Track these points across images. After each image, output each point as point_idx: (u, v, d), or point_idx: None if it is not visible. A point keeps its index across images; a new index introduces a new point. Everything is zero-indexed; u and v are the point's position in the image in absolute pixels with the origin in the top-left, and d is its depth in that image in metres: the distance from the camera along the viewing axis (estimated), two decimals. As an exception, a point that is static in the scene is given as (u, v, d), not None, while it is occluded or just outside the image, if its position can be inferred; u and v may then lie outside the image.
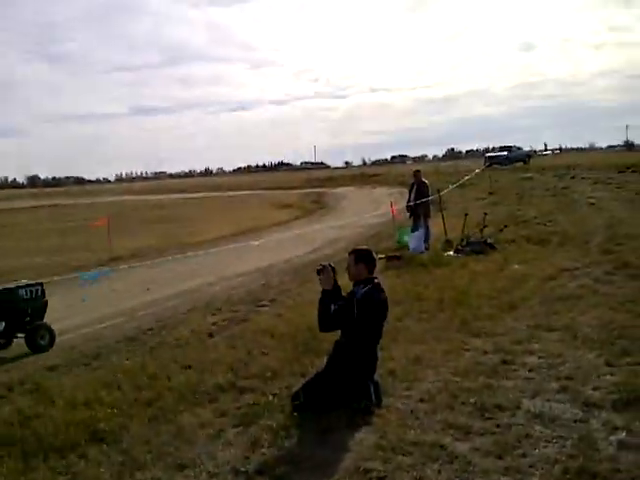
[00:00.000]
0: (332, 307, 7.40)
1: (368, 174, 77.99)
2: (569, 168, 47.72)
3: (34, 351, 11.84)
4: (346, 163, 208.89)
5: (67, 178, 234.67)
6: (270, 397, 7.71)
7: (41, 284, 12.72)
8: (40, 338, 12.17)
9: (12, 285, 12.64)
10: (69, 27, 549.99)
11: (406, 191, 24.60)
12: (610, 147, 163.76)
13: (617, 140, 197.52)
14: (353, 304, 7.32)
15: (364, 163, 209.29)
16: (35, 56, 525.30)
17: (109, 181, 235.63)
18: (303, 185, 73.22)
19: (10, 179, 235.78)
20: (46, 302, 12.77)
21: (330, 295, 7.48)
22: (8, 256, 26.68)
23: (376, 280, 7.66)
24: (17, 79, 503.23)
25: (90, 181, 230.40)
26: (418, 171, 22.03)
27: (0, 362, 11.59)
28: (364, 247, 8.07)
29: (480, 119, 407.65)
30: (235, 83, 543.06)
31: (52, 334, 12.34)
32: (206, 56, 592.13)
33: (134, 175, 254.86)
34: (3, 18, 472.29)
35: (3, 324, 12.04)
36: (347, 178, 76.07)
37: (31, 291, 12.46)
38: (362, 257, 7.69)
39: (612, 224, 20.93)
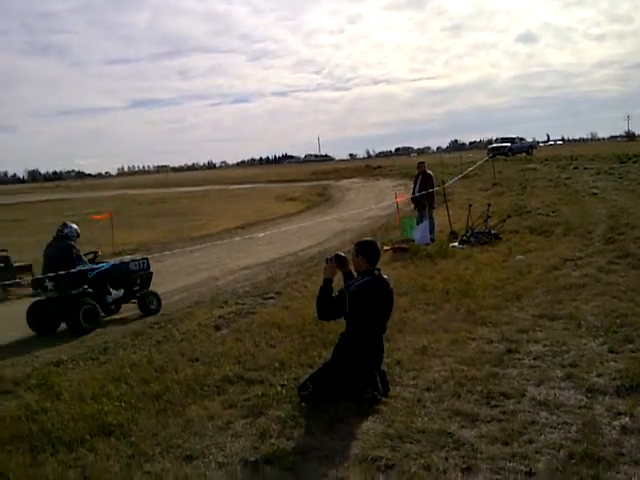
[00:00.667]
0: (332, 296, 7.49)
1: (373, 166, 77.81)
2: (571, 159, 47.70)
3: (146, 314, 13.62)
4: (350, 155, 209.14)
5: (68, 172, 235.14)
6: (278, 388, 7.77)
7: (147, 259, 14.93)
8: (149, 303, 13.99)
9: (125, 259, 15.03)
10: (66, 18, 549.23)
11: (410, 183, 24.61)
12: (612, 137, 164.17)
13: (619, 130, 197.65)
14: (345, 297, 7.38)
15: (368, 155, 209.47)
16: (31, 48, 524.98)
17: (111, 175, 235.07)
18: (308, 178, 73.06)
19: (10, 174, 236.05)
20: (151, 273, 14.79)
21: (330, 284, 7.54)
22: (11, 252, 26.73)
23: (377, 272, 7.70)
24: (13, 73, 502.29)
25: (91, 175, 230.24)
26: (422, 162, 22.01)
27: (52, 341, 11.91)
28: (367, 239, 8.10)
29: (483, 110, 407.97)
30: (236, 74, 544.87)
31: (159, 299, 14.19)
32: (205, 47, 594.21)
33: (136, 169, 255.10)
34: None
35: (122, 291, 14.05)
36: (352, 170, 75.79)
37: (139, 264, 14.57)
38: (361, 248, 7.77)
39: (614, 214, 21.03)
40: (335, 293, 7.47)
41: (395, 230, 22.55)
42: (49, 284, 12.77)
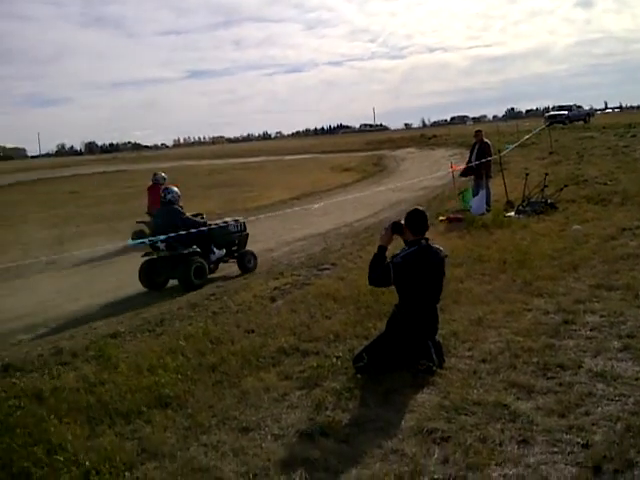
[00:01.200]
0: (386, 261, 7.53)
1: (428, 136, 77.21)
2: (629, 127, 46.74)
3: (244, 272, 14.90)
4: (406, 125, 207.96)
5: (124, 144, 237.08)
6: (333, 360, 7.79)
7: (244, 221, 16.09)
8: (247, 262, 15.20)
9: (225, 221, 15.72)
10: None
11: (466, 152, 24.42)
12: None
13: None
14: (390, 268, 7.42)
15: (424, 124, 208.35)
16: (86, 20, 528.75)
17: (167, 146, 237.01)
18: (363, 148, 72.80)
19: (68, 146, 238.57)
20: (247, 234, 15.91)
21: (384, 252, 7.60)
22: (69, 223, 27.14)
23: (424, 242, 7.65)
24: (68, 45, 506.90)
25: (147, 147, 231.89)
26: (479, 131, 21.76)
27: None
28: (413, 208, 8.02)
29: (540, 78, 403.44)
30: (290, 44, 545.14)
31: (256, 258, 15.43)
32: (259, 17, 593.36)
33: (191, 140, 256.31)
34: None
35: (224, 251, 15.25)
36: (407, 140, 75.23)
37: (237, 226, 15.68)
38: (406, 219, 7.72)
39: (673, 182, 20.57)
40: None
41: (451, 200, 22.40)
42: (161, 245, 13.96)
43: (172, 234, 13.39)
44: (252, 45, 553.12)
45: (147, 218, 20.10)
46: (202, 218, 15.09)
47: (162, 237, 13.47)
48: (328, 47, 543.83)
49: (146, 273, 14.21)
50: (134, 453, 5.92)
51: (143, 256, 14.51)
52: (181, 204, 14.75)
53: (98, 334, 10.36)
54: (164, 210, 14.47)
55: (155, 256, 14.27)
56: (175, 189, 14.83)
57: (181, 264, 13.89)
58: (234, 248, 15.56)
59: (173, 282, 14.35)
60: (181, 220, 14.08)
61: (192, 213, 14.92)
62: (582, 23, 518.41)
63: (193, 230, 13.95)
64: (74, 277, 16.13)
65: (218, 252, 15.05)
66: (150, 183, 19.61)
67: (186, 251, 14.01)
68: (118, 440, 6.21)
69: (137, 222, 20.86)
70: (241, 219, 16.31)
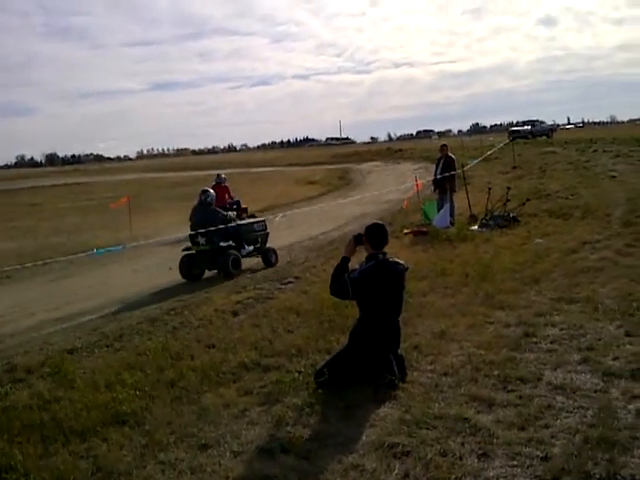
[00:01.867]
0: (345, 275, 7.54)
1: (394, 149, 77.51)
2: (591, 142, 47.33)
3: (267, 266, 16.76)
4: (372, 138, 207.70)
5: (87, 156, 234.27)
6: (295, 375, 7.76)
7: (264, 220, 18.32)
8: (270, 257, 17.14)
9: (251, 221, 17.99)
10: (84, 1, 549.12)
11: (432, 166, 24.59)
12: (631, 121, 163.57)
13: (638, 114, 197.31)
14: (347, 283, 7.45)
15: (390, 138, 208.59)
16: (50, 31, 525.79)
17: (130, 159, 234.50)
18: (329, 161, 72.86)
19: (28, 157, 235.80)
20: (268, 233, 17.93)
21: (346, 263, 7.63)
22: (27, 236, 26.88)
23: (381, 256, 7.63)
24: (33, 56, 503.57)
25: (110, 159, 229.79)
26: (445, 145, 21.84)
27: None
28: (373, 222, 8.02)
29: (504, 94, 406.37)
30: (257, 57, 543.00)
31: (276, 254, 17.39)
32: (226, 30, 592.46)
33: (155, 152, 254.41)
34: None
35: (252, 247, 17.19)
36: (373, 153, 75.32)
37: (261, 225, 17.86)
38: (366, 233, 7.72)
39: (633, 197, 20.90)
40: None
41: (416, 213, 22.45)
42: (201, 240, 16.07)
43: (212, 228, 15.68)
44: (219, 58, 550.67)
45: None
46: (246, 213, 18.53)
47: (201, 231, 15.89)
48: (295, 61, 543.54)
49: (186, 266, 16.11)
50: (89, 472, 5.81)
51: (183, 250, 16.28)
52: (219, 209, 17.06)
53: (54, 349, 10.19)
54: (204, 210, 16.49)
55: (194, 251, 16.17)
56: (212, 191, 17.17)
57: (220, 256, 16.00)
58: (257, 245, 17.45)
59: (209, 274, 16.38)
60: (219, 219, 16.20)
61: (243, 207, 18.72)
62: (544, 40, 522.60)
63: (230, 225, 16.45)
64: (31, 291, 15.94)
65: (247, 248, 17.04)
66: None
67: (225, 244, 16.22)
68: (72, 459, 6.09)
69: None
70: (263, 219, 18.59)
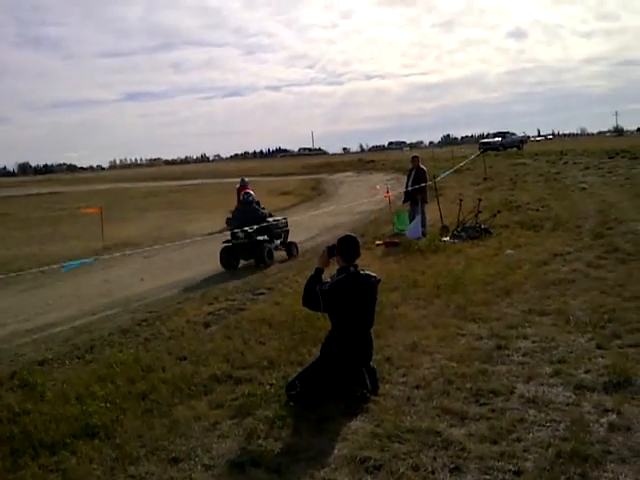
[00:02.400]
0: (317, 287, 7.49)
1: (366, 160, 77.70)
2: (561, 154, 47.72)
3: (290, 257, 19.52)
4: (344, 149, 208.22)
5: (59, 165, 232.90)
6: (267, 387, 7.71)
7: (287, 218, 21.15)
8: (292, 250, 19.95)
9: (278, 219, 20.38)
10: (58, 11, 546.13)
11: (403, 177, 24.62)
12: (601, 133, 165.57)
13: (607, 126, 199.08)
14: (317, 295, 7.41)
15: (362, 149, 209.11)
16: (23, 41, 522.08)
17: (102, 168, 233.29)
18: (301, 171, 73.01)
19: (0, 167, 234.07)
20: (289, 230, 20.62)
21: (320, 274, 7.58)
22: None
23: (352, 269, 7.59)
24: (5, 65, 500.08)
25: (83, 168, 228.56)
26: (416, 157, 21.96)
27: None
28: (344, 234, 7.99)
29: (474, 105, 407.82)
30: (229, 68, 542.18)
31: (297, 247, 20.20)
32: (199, 41, 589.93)
33: (128, 162, 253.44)
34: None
35: (278, 241, 19.92)
36: (345, 164, 75.70)
37: (284, 222, 20.53)
38: (338, 245, 7.69)
39: (603, 209, 21.15)
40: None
41: (388, 224, 22.46)
42: (241, 234, 18.59)
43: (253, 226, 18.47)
44: (191, 68, 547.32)
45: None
46: (271, 215, 20.13)
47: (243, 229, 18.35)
48: (268, 72, 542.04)
49: (226, 256, 18.69)
50: (58, 486, 5.74)
51: (223, 242, 18.95)
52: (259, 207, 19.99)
53: (24, 361, 10.09)
54: (246, 208, 19.49)
55: (230, 244, 18.84)
56: (252, 192, 20.39)
57: (257, 248, 18.66)
58: (281, 240, 20.18)
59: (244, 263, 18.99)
60: (259, 216, 19.19)
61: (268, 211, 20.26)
62: (514, 53, 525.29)
63: (267, 223, 19.25)
64: (1, 302, 15.72)
65: (276, 242, 19.73)
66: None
67: (262, 238, 18.87)
68: (42, 472, 6.03)
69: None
70: (286, 218, 21.39)
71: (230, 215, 20.50)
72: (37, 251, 23.96)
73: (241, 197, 20.42)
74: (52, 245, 25.24)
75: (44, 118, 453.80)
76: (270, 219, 19.84)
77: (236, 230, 18.78)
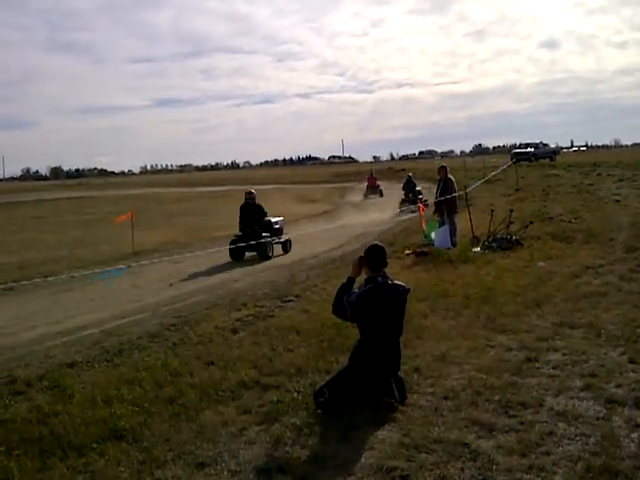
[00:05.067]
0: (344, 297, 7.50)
1: (396, 169, 77.74)
2: (594, 165, 47.43)
3: (285, 252, 23.19)
4: (374, 158, 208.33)
5: (91, 170, 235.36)
6: (294, 394, 7.72)
7: (283, 219, 24.73)
8: (286, 245, 23.54)
9: (276, 219, 23.67)
10: (89, 17, 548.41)
11: (433, 186, 24.58)
12: (635, 144, 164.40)
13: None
14: (345, 305, 7.44)
15: (392, 158, 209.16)
16: (54, 46, 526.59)
17: (134, 173, 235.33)
18: (331, 179, 73.21)
19: (33, 171, 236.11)
20: (283, 228, 24.10)
21: (351, 283, 7.62)
22: (30, 248, 26.79)
23: (380, 278, 7.59)
24: (36, 70, 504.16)
25: (114, 173, 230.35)
26: (444, 167, 21.57)
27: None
28: (372, 243, 8.00)
29: (506, 115, 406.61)
30: (259, 75, 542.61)
31: (291, 243, 23.73)
32: (229, 48, 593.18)
33: (159, 167, 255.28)
34: (21, 6, 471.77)
35: (275, 238, 22.94)
36: (376, 173, 75.83)
37: (281, 223, 24.17)
38: (365, 254, 7.71)
39: (637, 221, 21.00)
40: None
41: (417, 234, 22.39)
42: (247, 229, 22.16)
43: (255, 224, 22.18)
44: (221, 75, 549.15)
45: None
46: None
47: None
48: (297, 79, 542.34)
49: (233, 248, 21.63)
50: (86, 487, 5.77)
51: (234, 236, 22.28)
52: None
53: (54, 363, 10.12)
54: (250, 206, 22.72)
55: (235, 237, 22.09)
56: (254, 192, 23.51)
57: (260, 243, 21.43)
58: (279, 237, 23.40)
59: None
60: (263, 214, 22.70)
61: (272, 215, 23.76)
62: (547, 63, 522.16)
63: (269, 220, 22.95)
64: (33, 304, 15.83)
65: (275, 238, 22.89)
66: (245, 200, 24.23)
67: (265, 234, 22.32)
68: (70, 473, 6.07)
69: None
70: (282, 218, 24.76)
71: (234, 237, 22.49)
72: (67, 254, 24.13)
73: (245, 197, 23.24)
74: (83, 249, 25.41)
75: (75, 123, 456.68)
76: (270, 218, 23.28)
77: (243, 226, 22.53)
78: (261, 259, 21.58)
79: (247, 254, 22.21)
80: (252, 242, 20.43)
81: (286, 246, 23.49)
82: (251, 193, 23.25)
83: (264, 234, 22.28)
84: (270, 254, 22.13)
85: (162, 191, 76.74)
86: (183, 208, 46.97)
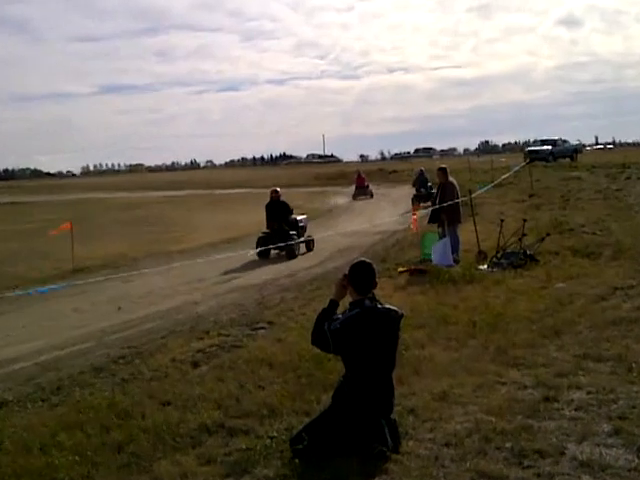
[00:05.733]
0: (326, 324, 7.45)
1: (387, 170, 78.06)
2: (623, 166, 47.57)
3: (308, 250, 26.90)
4: (361, 157, 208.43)
5: (23, 171, 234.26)
6: (267, 440, 7.68)
7: (307, 216, 29.74)
8: (310, 244, 27.23)
9: (300, 217, 27.96)
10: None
11: (433, 191, 24.64)
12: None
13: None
14: (326, 334, 7.38)
15: (383, 157, 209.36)
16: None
17: (74, 175, 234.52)
18: (310, 182, 73.36)
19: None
20: (306, 227, 28.56)
21: (334, 307, 7.58)
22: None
23: (368, 302, 7.52)
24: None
25: (51, 174, 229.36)
26: (443, 169, 21.62)
27: None
28: (357, 260, 7.95)
29: (518, 106, 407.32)
30: (224, 57, 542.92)
31: (314, 242, 27.25)
32: (189, 24, 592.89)
33: (104, 168, 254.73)
34: None
35: (302, 237, 27.17)
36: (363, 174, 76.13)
37: (306, 221, 28.71)
38: (349, 273, 7.63)
39: (673, 234, 20.87)
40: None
41: (413, 248, 22.44)
42: (275, 227, 26.26)
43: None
44: (180, 57, 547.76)
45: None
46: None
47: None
48: (269, 63, 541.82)
49: (261, 245, 25.31)
50: None
51: (262, 233, 26.44)
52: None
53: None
54: (276, 204, 26.79)
55: (261, 234, 26.29)
56: (279, 190, 27.56)
57: (287, 241, 24.29)
58: (304, 233, 27.77)
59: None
60: (290, 211, 27.04)
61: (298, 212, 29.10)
62: (566, 44, 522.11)
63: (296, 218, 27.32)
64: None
65: (300, 237, 26.79)
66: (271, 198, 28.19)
67: (292, 232, 26.17)
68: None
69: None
70: (306, 216, 29.68)
71: (261, 234, 26.49)
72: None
73: (271, 196, 27.23)
74: (14, 265, 25.32)
75: (3, 113, 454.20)
76: (296, 216, 27.51)
77: (270, 224, 26.50)
78: (288, 258, 25.13)
79: (273, 252, 25.76)
80: (280, 238, 24.35)
81: (309, 245, 27.21)
82: (277, 191, 27.29)
83: (291, 232, 26.21)
84: (297, 253, 25.76)
85: (109, 196, 76.77)
86: (134, 217, 46.91)
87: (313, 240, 27.36)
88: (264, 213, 27.15)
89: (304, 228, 28.03)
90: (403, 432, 7.56)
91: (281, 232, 25.71)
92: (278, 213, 26.49)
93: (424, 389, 9.08)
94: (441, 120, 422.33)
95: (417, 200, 38.73)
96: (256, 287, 18.81)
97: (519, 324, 12.04)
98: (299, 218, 27.67)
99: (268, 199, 27.46)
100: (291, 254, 25.26)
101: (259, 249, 25.16)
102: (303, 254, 26.24)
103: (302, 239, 26.82)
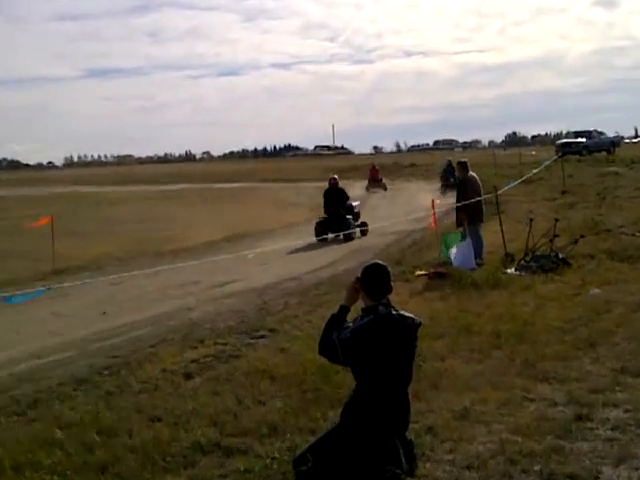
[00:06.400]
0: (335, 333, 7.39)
1: (403, 164, 78.08)
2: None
3: (362, 234, 30.52)
4: (375, 149, 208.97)
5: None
6: (267, 461, 7.66)
7: (359, 202, 37.52)
8: (364, 229, 30.51)
9: (355, 203, 33.78)
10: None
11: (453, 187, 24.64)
12: None
13: None
14: (335, 344, 7.31)
15: (398, 149, 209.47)
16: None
17: (55, 166, 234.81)
18: (318, 177, 73.13)
19: None
20: (359, 212, 33.83)
21: (344, 314, 7.52)
22: None
23: (382, 308, 7.43)
24: None
25: (29, 166, 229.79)
26: (462, 163, 21.90)
27: None
28: (371, 262, 7.88)
29: (550, 95, 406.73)
30: (223, 39, 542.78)
31: (367, 226, 30.27)
32: (184, 3, 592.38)
33: (89, 159, 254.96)
34: None
35: (356, 222, 32.13)
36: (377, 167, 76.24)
37: (359, 205, 34.59)
38: (362, 276, 7.55)
39: None
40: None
41: (432, 249, 22.42)
42: (331, 210, 31.40)
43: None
44: (173, 38, 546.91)
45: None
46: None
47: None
48: (273, 45, 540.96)
49: (320, 229, 29.90)
50: None
51: (319, 218, 31.76)
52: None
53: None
54: (335, 190, 32.33)
55: (321, 219, 31.49)
56: (337, 177, 33.65)
57: (345, 224, 30.51)
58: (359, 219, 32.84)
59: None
60: (347, 197, 32.59)
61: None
62: (603, 27, 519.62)
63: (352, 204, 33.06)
64: None
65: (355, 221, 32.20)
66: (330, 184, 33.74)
67: (349, 216, 31.37)
68: None
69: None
70: (359, 202, 36.56)
71: (319, 219, 31.76)
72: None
73: (330, 183, 32.93)
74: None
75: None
76: (351, 202, 33.04)
77: (328, 209, 31.71)
78: (346, 241, 30.04)
79: (330, 236, 29.87)
80: (338, 222, 30.60)
81: (364, 230, 30.55)
82: (335, 179, 33.10)
83: (348, 216, 31.46)
84: (354, 236, 30.56)
85: (95, 190, 76.88)
86: (122, 213, 46.99)
87: (366, 224, 30.63)
88: (322, 199, 32.93)
89: (358, 214, 33.13)
90: (419, 453, 7.53)
91: (339, 216, 31.03)
92: (336, 199, 31.81)
93: (443, 406, 9.07)
94: (464, 110, 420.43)
95: (445, 190, 45.29)
96: (257, 291, 18.81)
97: (549, 334, 12.05)
98: (354, 204, 33.28)
99: (327, 186, 32.85)
100: (349, 237, 30.29)
101: (317, 230, 30.14)
102: (357, 238, 30.45)
103: (358, 224, 31.31)
